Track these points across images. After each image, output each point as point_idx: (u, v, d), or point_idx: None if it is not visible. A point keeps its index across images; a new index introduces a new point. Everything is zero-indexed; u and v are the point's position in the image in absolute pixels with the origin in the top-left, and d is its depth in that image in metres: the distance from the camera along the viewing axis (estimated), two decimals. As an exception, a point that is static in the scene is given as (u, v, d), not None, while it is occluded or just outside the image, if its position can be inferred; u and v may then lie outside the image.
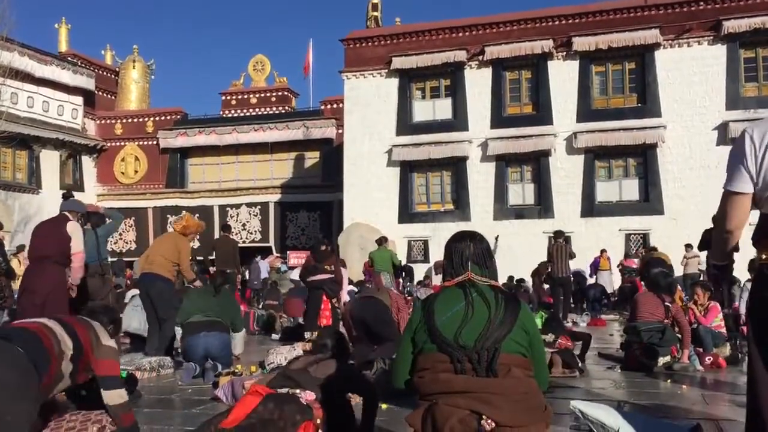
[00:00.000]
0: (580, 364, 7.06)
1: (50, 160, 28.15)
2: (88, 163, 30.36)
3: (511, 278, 19.90)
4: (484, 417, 2.55)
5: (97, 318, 3.95)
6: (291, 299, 13.08)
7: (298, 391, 3.53)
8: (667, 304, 7.60)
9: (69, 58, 29.55)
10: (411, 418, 2.70)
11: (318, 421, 3.43)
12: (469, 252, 2.92)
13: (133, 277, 18.61)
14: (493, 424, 2.55)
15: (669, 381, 6.59)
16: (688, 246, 17.13)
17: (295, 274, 20.18)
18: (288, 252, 25.62)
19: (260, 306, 15.66)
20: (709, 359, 7.39)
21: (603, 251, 19.12)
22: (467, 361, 2.65)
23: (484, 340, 2.65)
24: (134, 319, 9.24)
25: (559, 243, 14.65)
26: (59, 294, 6.65)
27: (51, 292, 6.59)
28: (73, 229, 6.88)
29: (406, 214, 23.40)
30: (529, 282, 18.06)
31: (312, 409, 3.44)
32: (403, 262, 20.80)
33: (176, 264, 8.09)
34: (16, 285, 17.66)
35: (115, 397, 3.66)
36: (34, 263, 6.84)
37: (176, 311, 7.41)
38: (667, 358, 7.22)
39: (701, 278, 16.04)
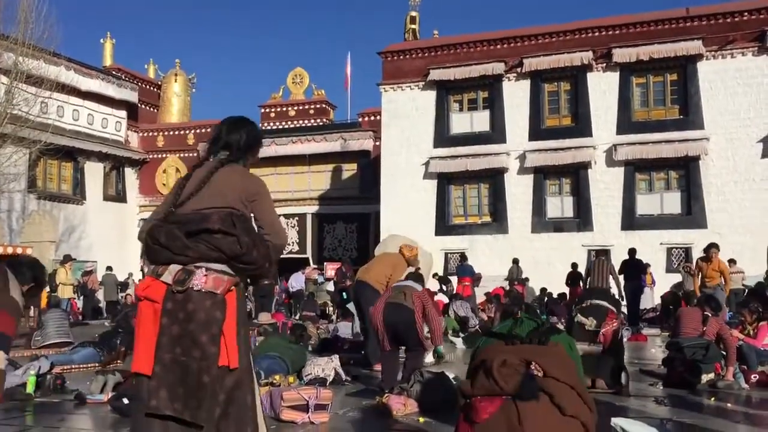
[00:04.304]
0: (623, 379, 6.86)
1: (94, 172, 28.78)
2: (130, 175, 30.97)
3: (543, 290, 19.77)
4: (533, 363, 2.72)
5: (17, 269, 3.57)
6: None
7: (186, 287, 2.67)
8: (707, 313, 7.45)
9: (113, 72, 30.25)
10: (462, 383, 3.00)
11: (232, 288, 2.73)
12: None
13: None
14: (542, 373, 2.68)
15: (713, 399, 6.44)
16: (732, 261, 16.75)
17: (331, 286, 20.35)
18: (325, 263, 25.74)
19: (297, 317, 15.75)
20: (755, 377, 7.20)
21: (646, 265, 18.77)
22: (519, 343, 3.04)
23: (534, 336, 3.07)
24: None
25: (601, 260, 14.49)
26: None
27: None
28: None
29: (443, 226, 23.34)
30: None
31: (215, 292, 2.69)
32: (440, 274, 20.75)
33: (388, 278, 8.47)
34: (62, 294, 18.17)
35: None
36: None
37: None
38: (711, 376, 7.06)
39: (745, 293, 15.68)
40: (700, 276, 12.58)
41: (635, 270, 15.12)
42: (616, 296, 13.38)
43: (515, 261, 20.33)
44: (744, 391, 6.91)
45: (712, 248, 12.48)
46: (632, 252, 15.36)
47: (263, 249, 2.83)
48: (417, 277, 7.64)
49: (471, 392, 2.81)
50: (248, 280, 2.93)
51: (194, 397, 2.61)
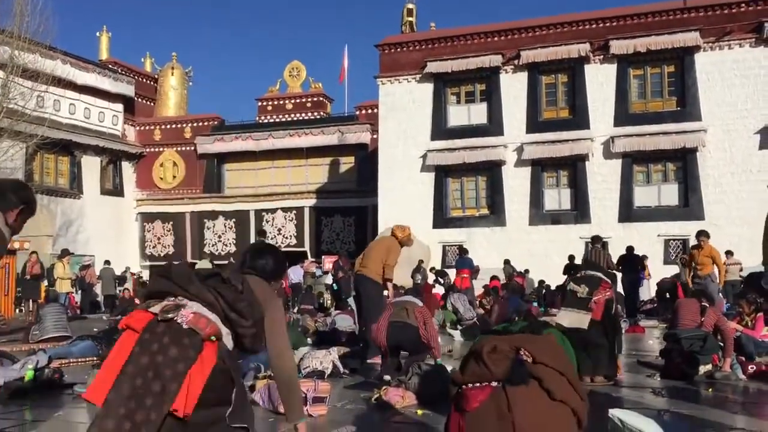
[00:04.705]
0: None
1: (91, 166, 28.72)
2: (127, 169, 30.92)
3: (541, 282, 19.80)
4: (522, 349, 2.77)
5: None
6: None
7: (170, 316, 2.61)
8: (704, 304, 7.46)
9: (110, 66, 30.14)
10: (454, 373, 3.02)
11: (214, 339, 2.61)
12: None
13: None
14: (531, 359, 2.73)
15: (710, 390, 6.45)
16: (729, 252, 16.79)
17: (329, 279, 20.37)
18: (323, 256, 25.75)
19: (295, 310, 15.76)
20: (752, 368, 7.21)
21: (643, 258, 18.77)
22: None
23: (526, 329, 3.26)
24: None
25: (597, 248, 14.47)
26: None
27: None
28: None
29: (441, 219, 23.34)
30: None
31: (198, 332, 2.58)
32: (438, 267, 20.77)
33: (384, 263, 8.42)
34: (60, 288, 18.16)
35: None
36: None
37: (380, 312, 7.41)
38: (709, 367, 7.07)
39: (742, 285, 15.71)
40: (692, 265, 12.61)
41: (632, 265, 15.22)
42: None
43: (506, 261, 20.29)
44: (741, 382, 6.93)
45: (701, 236, 12.49)
46: (630, 249, 15.50)
47: (258, 316, 2.79)
48: (416, 292, 7.66)
49: (462, 380, 2.85)
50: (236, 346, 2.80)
51: None
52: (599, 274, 6.91)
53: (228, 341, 2.70)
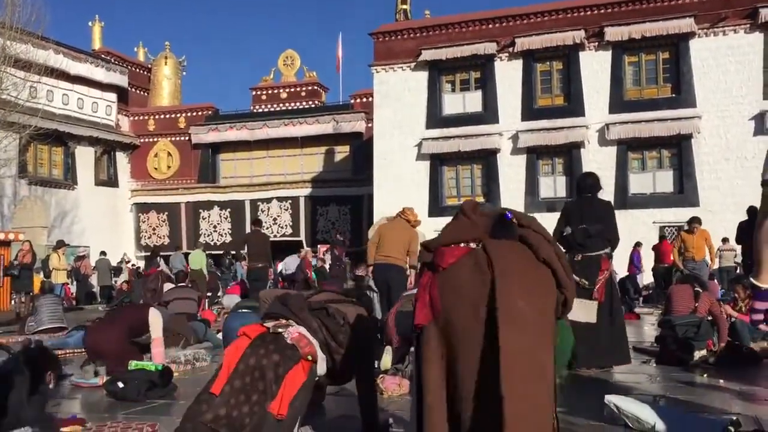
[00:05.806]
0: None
1: (85, 157, 28.62)
2: (122, 159, 30.81)
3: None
4: (509, 211, 2.71)
5: None
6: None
7: (280, 330, 3.29)
8: (697, 289, 7.49)
9: (102, 56, 29.97)
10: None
11: (310, 358, 3.23)
12: None
13: (173, 270, 18.69)
14: (517, 222, 2.63)
15: (705, 375, 6.48)
16: (724, 239, 16.84)
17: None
18: (318, 246, 25.74)
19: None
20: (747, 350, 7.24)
21: (638, 245, 18.80)
22: None
23: None
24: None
25: None
26: None
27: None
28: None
29: (437, 207, 23.33)
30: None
31: (297, 349, 3.23)
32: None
33: (408, 250, 8.53)
34: (56, 279, 18.12)
35: None
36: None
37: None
38: (704, 352, 7.09)
39: (737, 271, 15.77)
40: (682, 248, 12.68)
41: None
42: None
43: None
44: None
45: (694, 222, 12.58)
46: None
47: (353, 349, 3.41)
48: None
49: (437, 243, 2.65)
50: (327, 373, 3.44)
51: (240, 422, 3.02)
52: (597, 254, 6.80)
53: (321, 367, 3.32)
